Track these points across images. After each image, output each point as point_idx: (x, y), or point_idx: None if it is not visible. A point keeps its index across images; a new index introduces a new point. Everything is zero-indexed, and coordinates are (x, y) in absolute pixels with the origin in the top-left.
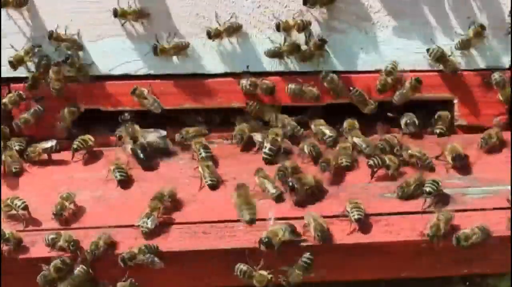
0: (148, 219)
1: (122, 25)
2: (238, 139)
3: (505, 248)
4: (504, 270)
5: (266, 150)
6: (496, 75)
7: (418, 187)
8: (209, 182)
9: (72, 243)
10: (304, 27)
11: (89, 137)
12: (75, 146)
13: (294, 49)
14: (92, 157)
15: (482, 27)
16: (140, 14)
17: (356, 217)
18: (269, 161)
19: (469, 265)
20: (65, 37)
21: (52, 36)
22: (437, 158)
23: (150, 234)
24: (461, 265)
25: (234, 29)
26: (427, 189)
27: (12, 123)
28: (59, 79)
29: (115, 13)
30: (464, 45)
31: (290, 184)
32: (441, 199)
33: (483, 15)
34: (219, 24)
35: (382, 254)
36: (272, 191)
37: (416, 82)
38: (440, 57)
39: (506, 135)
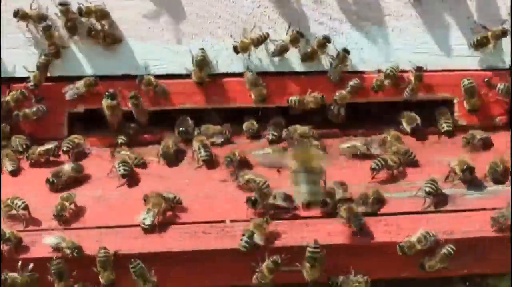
0: (148, 214)
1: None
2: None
3: (505, 248)
4: (504, 270)
5: (271, 130)
6: (501, 85)
7: (377, 201)
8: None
9: (76, 251)
10: (259, 41)
11: (75, 137)
12: (64, 148)
13: (297, 39)
14: (91, 157)
15: (503, 31)
16: (41, 18)
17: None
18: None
19: (469, 265)
20: (30, 13)
21: (18, 14)
22: (446, 179)
23: (149, 230)
24: (461, 265)
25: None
26: (427, 189)
27: (12, 120)
28: (53, 44)
29: (15, 14)
30: (480, 44)
31: (252, 198)
32: (441, 199)
33: (483, 15)
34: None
35: (382, 254)
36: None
37: (417, 72)
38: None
39: (506, 135)
